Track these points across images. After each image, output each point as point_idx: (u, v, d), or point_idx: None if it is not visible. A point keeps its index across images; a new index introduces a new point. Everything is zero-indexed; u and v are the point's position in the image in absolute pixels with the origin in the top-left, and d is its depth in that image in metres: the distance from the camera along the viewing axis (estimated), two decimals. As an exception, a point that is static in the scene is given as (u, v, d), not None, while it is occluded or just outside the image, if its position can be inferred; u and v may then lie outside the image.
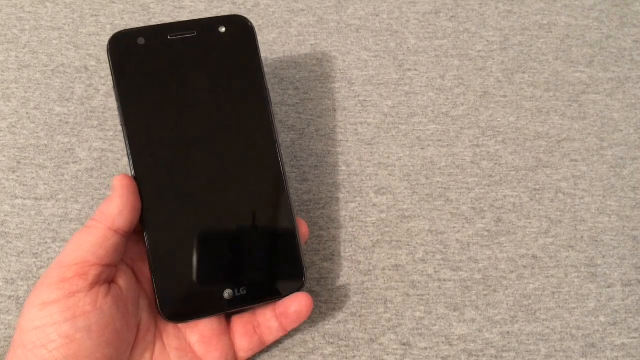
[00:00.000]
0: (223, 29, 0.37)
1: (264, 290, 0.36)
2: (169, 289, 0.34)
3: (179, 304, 0.34)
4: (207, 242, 0.35)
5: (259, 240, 0.36)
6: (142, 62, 0.36)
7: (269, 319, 0.36)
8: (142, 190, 0.34)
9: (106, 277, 0.32)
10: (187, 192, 0.35)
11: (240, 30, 0.38)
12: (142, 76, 0.36)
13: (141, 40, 0.36)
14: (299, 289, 0.36)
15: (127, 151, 0.35)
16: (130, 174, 0.35)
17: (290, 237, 0.36)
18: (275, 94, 0.46)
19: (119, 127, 0.45)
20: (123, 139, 0.35)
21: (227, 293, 0.35)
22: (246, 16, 0.38)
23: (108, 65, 0.36)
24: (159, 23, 0.49)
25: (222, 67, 0.37)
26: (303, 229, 0.37)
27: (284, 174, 0.37)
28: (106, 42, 0.48)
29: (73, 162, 0.44)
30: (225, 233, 0.36)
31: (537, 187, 0.44)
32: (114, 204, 0.33)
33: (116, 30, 0.49)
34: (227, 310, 0.35)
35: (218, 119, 0.36)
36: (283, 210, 0.37)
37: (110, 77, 0.46)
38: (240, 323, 0.36)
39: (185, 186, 0.35)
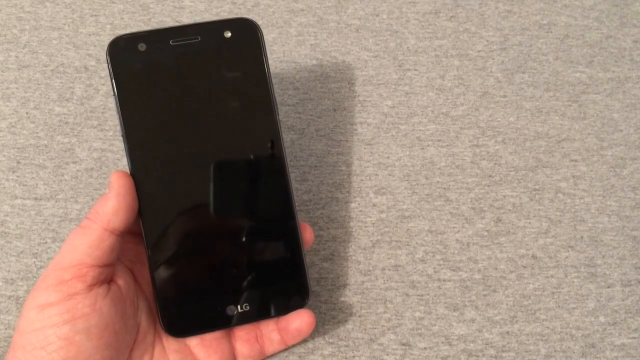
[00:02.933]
0: (229, 34, 0.35)
1: (267, 307, 0.35)
2: (171, 305, 0.34)
3: (182, 320, 0.34)
4: (209, 258, 0.35)
5: (263, 257, 0.35)
6: (143, 69, 0.34)
7: (271, 331, 0.36)
8: (143, 202, 0.34)
9: (105, 277, 0.32)
10: (189, 205, 0.35)
11: (246, 36, 0.36)
12: (143, 84, 0.34)
13: (142, 46, 0.34)
14: (302, 306, 0.36)
15: (128, 164, 0.34)
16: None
17: (295, 253, 0.36)
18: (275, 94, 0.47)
19: (119, 129, 0.45)
20: (123, 149, 0.34)
21: (229, 309, 0.35)
22: (248, 17, 0.37)
23: (108, 70, 0.35)
24: (160, 25, 0.49)
25: (227, 75, 0.35)
26: (307, 235, 0.37)
27: (290, 186, 0.36)
28: (106, 42, 0.48)
29: (73, 162, 0.44)
30: (229, 249, 0.35)
31: (537, 187, 0.44)
32: (110, 203, 0.32)
33: (116, 30, 0.49)
34: (230, 326, 0.35)
35: (222, 129, 0.35)
36: (288, 224, 0.36)
37: (109, 81, 0.46)
38: (243, 329, 0.36)
39: (187, 200, 0.35)
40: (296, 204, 0.43)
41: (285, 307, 0.36)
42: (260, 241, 0.36)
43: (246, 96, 0.36)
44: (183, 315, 0.34)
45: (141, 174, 0.34)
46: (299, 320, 0.35)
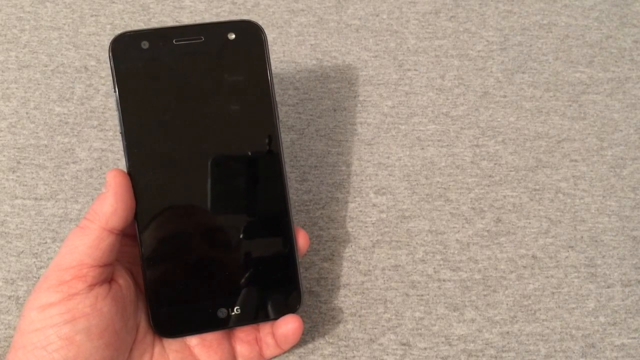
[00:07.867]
0: (232, 36, 0.35)
1: (258, 311, 0.35)
2: (162, 304, 0.34)
3: (172, 320, 0.34)
4: (202, 260, 0.35)
5: (257, 261, 0.35)
6: (145, 67, 0.34)
7: (267, 335, 0.36)
8: (138, 201, 0.34)
9: (105, 277, 0.32)
10: (184, 206, 0.34)
11: (250, 38, 0.36)
12: (144, 82, 0.34)
13: (145, 44, 0.34)
14: (294, 311, 0.36)
15: (125, 162, 0.34)
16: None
17: (288, 258, 0.36)
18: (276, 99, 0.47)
19: (117, 126, 0.45)
20: (122, 147, 0.34)
21: (221, 312, 0.34)
22: (250, 18, 0.37)
23: (109, 67, 0.35)
24: (164, 25, 0.49)
25: (228, 77, 0.35)
26: (302, 241, 0.36)
27: (286, 191, 0.36)
28: (106, 42, 0.48)
29: (73, 162, 0.44)
30: (223, 252, 0.35)
31: (537, 187, 0.44)
32: (107, 202, 0.32)
33: (116, 30, 0.49)
34: (220, 329, 0.35)
35: (220, 131, 0.35)
36: (283, 229, 0.36)
37: (110, 79, 0.46)
38: (243, 330, 0.36)
39: (182, 201, 0.34)
40: (295, 205, 0.43)
41: (276, 312, 0.35)
42: (255, 245, 0.35)
43: (246, 100, 0.35)
44: (174, 315, 0.34)
45: (138, 172, 0.34)
46: (284, 326, 0.35)
